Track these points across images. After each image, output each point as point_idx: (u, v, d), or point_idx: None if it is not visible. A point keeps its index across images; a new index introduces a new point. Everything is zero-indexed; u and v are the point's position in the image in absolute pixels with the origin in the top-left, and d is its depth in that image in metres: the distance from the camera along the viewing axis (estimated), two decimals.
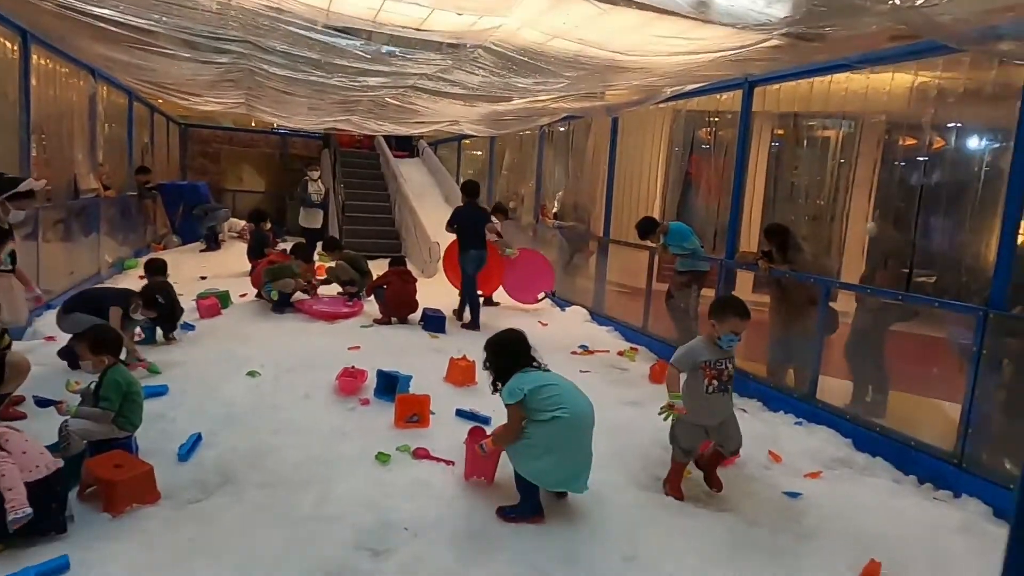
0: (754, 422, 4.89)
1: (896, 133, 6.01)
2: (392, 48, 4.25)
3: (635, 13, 3.54)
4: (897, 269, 5.35)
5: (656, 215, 7.82)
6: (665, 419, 3.52)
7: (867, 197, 6.28)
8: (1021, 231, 3.92)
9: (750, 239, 6.54)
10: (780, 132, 6.86)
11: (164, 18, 4.22)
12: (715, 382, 3.51)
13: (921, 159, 5.62)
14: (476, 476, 3.52)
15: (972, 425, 3.91)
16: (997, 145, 5.05)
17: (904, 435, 4.31)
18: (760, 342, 5.96)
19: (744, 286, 6.42)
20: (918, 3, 2.62)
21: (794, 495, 3.72)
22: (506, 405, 3.26)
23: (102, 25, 4.60)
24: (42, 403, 3.43)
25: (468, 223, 7.37)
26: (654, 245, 6.95)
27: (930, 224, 5.58)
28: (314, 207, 11.31)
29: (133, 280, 7.86)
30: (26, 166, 6.14)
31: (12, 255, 4.36)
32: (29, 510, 2.59)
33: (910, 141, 5.90)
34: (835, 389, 5.05)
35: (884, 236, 5.74)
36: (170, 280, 6.51)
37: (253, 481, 3.41)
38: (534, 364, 3.42)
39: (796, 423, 4.91)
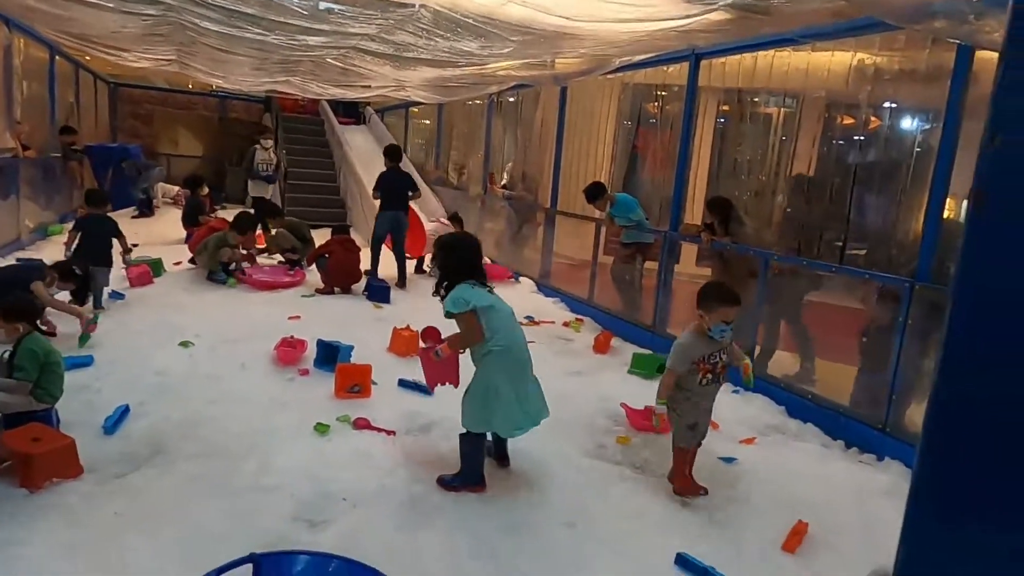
0: None
1: (835, 111, 6.16)
2: (330, 5, 4.06)
3: None
4: (831, 242, 5.52)
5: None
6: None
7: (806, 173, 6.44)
8: (947, 208, 4.09)
9: (694, 212, 6.63)
10: (725, 108, 6.94)
11: None
12: (709, 375, 3.31)
13: (857, 137, 5.77)
14: (440, 383, 3.34)
15: (896, 392, 4.09)
16: (928, 125, 5.23)
17: (833, 402, 4.48)
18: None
19: (688, 258, 6.53)
20: None
21: (729, 460, 3.83)
22: (449, 315, 3.10)
23: None
24: None
25: (390, 186, 7.59)
26: (601, 216, 6.98)
27: (864, 200, 5.76)
28: (260, 179, 10.58)
29: (57, 246, 7.42)
30: None
31: None
32: None
33: (848, 120, 6.06)
34: (772, 360, 5.21)
35: (818, 210, 5.91)
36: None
37: (186, 452, 3.29)
38: (484, 284, 3.22)
39: (734, 391, 5.04)
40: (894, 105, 5.50)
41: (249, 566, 2.06)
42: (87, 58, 11.03)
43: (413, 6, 3.81)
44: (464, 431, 3.19)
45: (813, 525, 3.12)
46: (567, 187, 8.24)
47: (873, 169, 5.63)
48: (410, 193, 7.80)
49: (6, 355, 3.28)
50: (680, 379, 3.29)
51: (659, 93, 7.55)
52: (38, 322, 3.60)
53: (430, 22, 4.19)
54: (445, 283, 3.19)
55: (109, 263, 5.76)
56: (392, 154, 7.92)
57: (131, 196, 11.40)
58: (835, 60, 5.43)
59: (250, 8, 4.33)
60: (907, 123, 5.63)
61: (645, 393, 4.76)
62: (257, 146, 10.56)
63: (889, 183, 5.52)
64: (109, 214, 10.92)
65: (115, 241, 5.91)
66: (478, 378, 3.18)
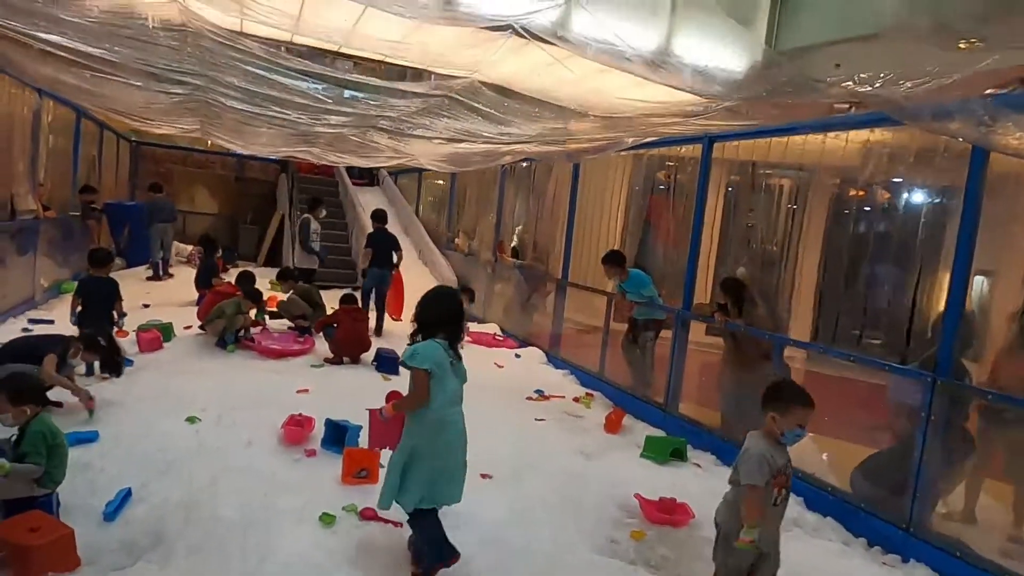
0: (709, 478, 4.88)
1: (848, 189, 6.21)
2: (355, 93, 4.18)
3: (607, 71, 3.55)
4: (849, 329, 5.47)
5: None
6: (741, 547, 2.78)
7: (818, 248, 6.46)
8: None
9: (706, 285, 6.59)
10: (736, 178, 6.99)
11: (117, 48, 4.06)
12: (783, 491, 2.84)
13: (869, 214, 5.81)
14: (382, 447, 3.19)
15: (920, 489, 3.96)
16: (946, 203, 5.23)
17: (853, 496, 4.34)
18: (715, 388, 6.00)
19: (697, 328, 6.46)
20: (877, 85, 2.69)
21: None
22: (405, 366, 3.01)
23: (49, 49, 4.41)
24: None
25: (379, 246, 8.58)
26: (612, 289, 6.98)
27: (877, 278, 5.76)
28: (313, 252, 9.84)
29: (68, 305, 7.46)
30: None
31: None
32: None
33: (860, 194, 6.11)
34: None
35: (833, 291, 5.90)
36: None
37: (184, 543, 3.18)
38: (454, 347, 3.09)
39: None
40: (908, 181, 5.53)
41: None
42: (111, 121, 11.36)
43: (436, 95, 3.91)
44: (409, 515, 3.05)
45: None
46: (578, 258, 8.28)
47: (887, 249, 5.63)
48: (394, 253, 8.66)
49: (12, 438, 3.23)
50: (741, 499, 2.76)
51: (670, 164, 7.65)
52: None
53: (449, 108, 4.29)
54: (419, 335, 3.09)
55: (109, 324, 5.76)
56: (379, 217, 8.81)
57: (146, 253, 11.52)
58: (851, 138, 5.45)
59: (275, 91, 4.46)
60: (920, 200, 5.65)
61: (659, 480, 4.64)
62: (310, 216, 9.83)
63: (904, 265, 5.52)
64: (125, 270, 11.14)
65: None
66: (400, 446, 3.05)
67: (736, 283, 5.63)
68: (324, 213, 10.31)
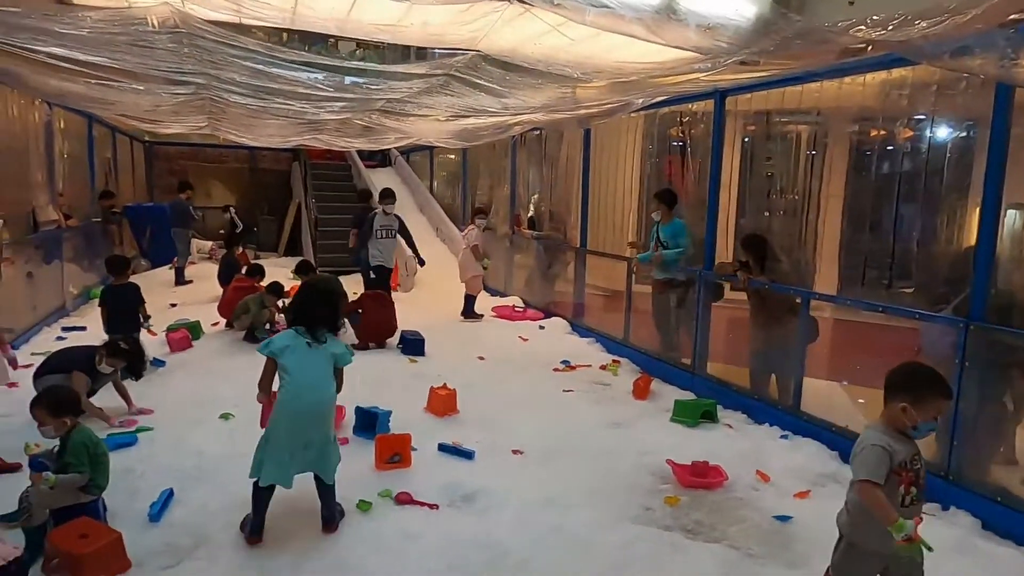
0: (740, 438, 4.87)
1: (868, 130, 6.00)
2: (355, 79, 4.13)
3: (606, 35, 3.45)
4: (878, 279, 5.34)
5: (633, 222, 7.77)
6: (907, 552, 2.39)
7: (841, 195, 6.26)
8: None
9: (726, 242, 6.46)
10: (752, 129, 6.79)
11: (116, 54, 4.05)
12: (913, 489, 2.47)
13: (891, 154, 5.62)
14: (263, 426, 3.43)
15: (958, 438, 3.89)
16: (972, 137, 5.03)
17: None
18: (742, 348, 5.94)
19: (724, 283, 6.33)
20: (890, 28, 2.57)
21: (784, 519, 3.68)
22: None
23: (51, 62, 4.42)
24: (37, 466, 3.17)
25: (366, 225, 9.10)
26: (632, 253, 6.91)
27: (904, 222, 5.60)
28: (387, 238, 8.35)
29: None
30: None
31: None
32: None
33: (881, 134, 5.90)
34: (819, 399, 5.03)
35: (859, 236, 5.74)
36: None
37: (228, 542, 3.26)
38: (320, 330, 3.29)
39: (782, 436, 4.89)
40: (931, 117, 5.31)
41: None
42: (121, 124, 11.43)
43: (436, 75, 3.85)
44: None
45: None
46: (595, 224, 8.19)
47: (912, 182, 5.46)
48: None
49: (55, 449, 3.32)
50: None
51: (683, 120, 7.47)
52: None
53: (451, 86, 4.22)
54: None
55: (137, 328, 5.95)
56: (384, 195, 8.96)
57: (169, 253, 11.65)
58: (868, 77, 5.23)
59: (276, 83, 4.43)
60: (946, 134, 5.44)
61: (690, 444, 4.64)
62: (378, 212, 8.39)
63: (931, 203, 5.35)
64: (150, 272, 11.30)
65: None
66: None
67: (758, 239, 5.52)
68: (393, 207, 8.45)
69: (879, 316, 4.79)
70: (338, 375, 3.46)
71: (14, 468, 3.89)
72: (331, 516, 3.37)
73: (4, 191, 6.88)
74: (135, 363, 4.85)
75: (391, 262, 8.40)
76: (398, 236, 8.50)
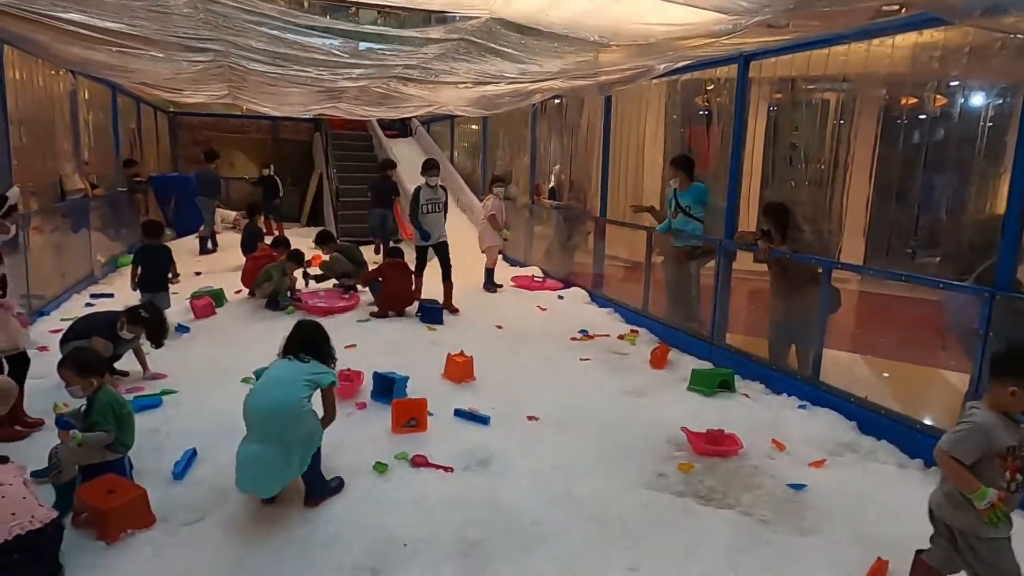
0: (757, 407, 4.85)
1: (898, 97, 5.82)
2: (370, 44, 4.10)
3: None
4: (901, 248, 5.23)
5: (656, 191, 7.66)
6: (990, 521, 2.36)
7: (868, 164, 6.10)
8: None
9: (749, 211, 6.36)
10: (778, 96, 6.62)
11: (136, 21, 4.06)
12: (1019, 476, 2.39)
13: (922, 122, 5.45)
14: None
15: None
16: (1007, 103, 4.85)
17: (909, 417, 4.25)
18: (763, 317, 5.89)
19: (744, 256, 6.26)
20: None
21: (798, 487, 3.68)
22: None
23: (73, 29, 4.44)
24: (63, 425, 3.29)
25: (377, 191, 10.69)
26: (652, 224, 6.84)
27: (933, 191, 5.45)
28: (420, 230, 7.49)
29: (127, 278, 7.77)
30: (6, 171, 6.03)
31: (3, 280, 4.22)
32: None
33: (911, 102, 5.72)
34: (839, 370, 4.98)
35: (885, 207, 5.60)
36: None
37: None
38: (299, 356, 3.42)
39: (800, 406, 4.86)
40: (964, 83, 5.13)
41: None
42: (144, 93, 11.51)
43: (451, 39, 3.80)
44: None
45: (894, 562, 2.95)
46: (616, 194, 8.10)
47: (943, 150, 5.29)
48: (393, 197, 10.79)
49: (81, 408, 3.43)
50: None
51: (708, 88, 7.31)
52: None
53: (470, 51, 4.17)
54: None
55: (165, 288, 6.37)
56: (383, 165, 11.03)
57: (195, 224, 11.80)
58: (899, 41, 5.06)
59: (293, 50, 4.41)
60: (981, 101, 5.25)
61: (706, 413, 4.64)
62: (422, 185, 7.49)
63: (962, 172, 5.19)
64: (175, 241, 11.47)
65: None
66: None
67: (780, 207, 5.43)
68: (437, 178, 7.54)
69: (904, 288, 4.70)
70: (326, 398, 3.44)
71: (38, 424, 4.03)
72: (310, 491, 3.34)
73: (32, 161, 7.00)
74: (155, 331, 4.95)
75: (443, 237, 7.53)
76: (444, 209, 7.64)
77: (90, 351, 3.66)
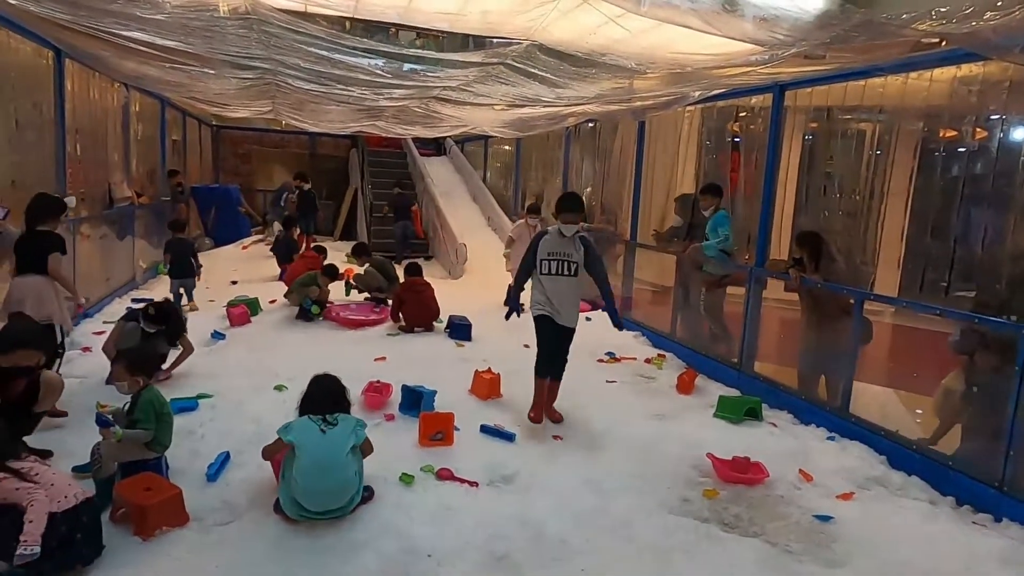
0: (785, 437, 4.81)
1: (936, 130, 5.78)
2: (414, 66, 4.24)
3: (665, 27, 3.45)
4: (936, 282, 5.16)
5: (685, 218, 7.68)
6: None
7: (904, 196, 6.05)
8: None
9: (780, 238, 6.33)
10: (813, 126, 6.61)
11: (190, 39, 4.26)
12: None
13: (961, 155, 5.40)
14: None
15: (1014, 447, 3.77)
16: None
17: (942, 453, 4.18)
18: (793, 346, 5.85)
19: (775, 284, 6.24)
20: (955, 21, 2.50)
21: (825, 519, 3.64)
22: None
23: (131, 45, 4.67)
24: (103, 422, 3.40)
25: (396, 206, 12.66)
26: (682, 249, 6.86)
27: (971, 225, 5.38)
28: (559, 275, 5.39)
29: (166, 283, 8.03)
30: (63, 179, 6.30)
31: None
32: (37, 549, 2.58)
33: (950, 135, 5.67)
34: (870, 403, 4.92)
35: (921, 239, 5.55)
36: (201, 282, 8.14)
37: None
38: (325, 418, 3.41)
39: (828, 438, 4.80)
40: (1005, 117, 5.08)
41: None
42: (191, 107, 11.93)
43: (492, 63, 3.91)
44: None
45: None
46: (647, 218, 8.14)
47: (981, 183, 5.23)
48: (411, 208, 12.79)
49: (125, 406, 3.56)
50: None
51: (742, 115, 7.33)
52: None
53: (507, 75, 4.28)
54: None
55: (191, 274, 7.80)
56: (402, 184, 13.30)
57: (233, 234, 12.14)
58: (936, 74, 5.04)
59: (338, 70, 4.58)
60: (1020, 135, 5.19)
61: (732, 440, 4.61)
62: (552, 232, 4.81)
63: (1001, 206, 5.12)
64: (213, 250, 11.83)
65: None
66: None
67: (813, 236, 5.41)
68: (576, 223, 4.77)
69: (938, 323, 4.64)
70: (364, 445, 3.49)
71: (61, 414, 4.24)
72: None
73: (84, 168, 7.30)
74: (169, 326, 5.05)
75: (570, 320, 4.72)
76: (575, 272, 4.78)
77: (144, 352, 3.82)
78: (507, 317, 4.76)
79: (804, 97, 5.72)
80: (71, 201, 5.05)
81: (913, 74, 4.55)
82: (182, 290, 7.76)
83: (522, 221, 8.83)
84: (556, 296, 4.56)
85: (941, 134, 5.79)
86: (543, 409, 4.67)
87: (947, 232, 5.68)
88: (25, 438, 3.57)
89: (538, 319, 4.62)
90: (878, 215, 5.89)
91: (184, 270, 7.70)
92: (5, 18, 4.92)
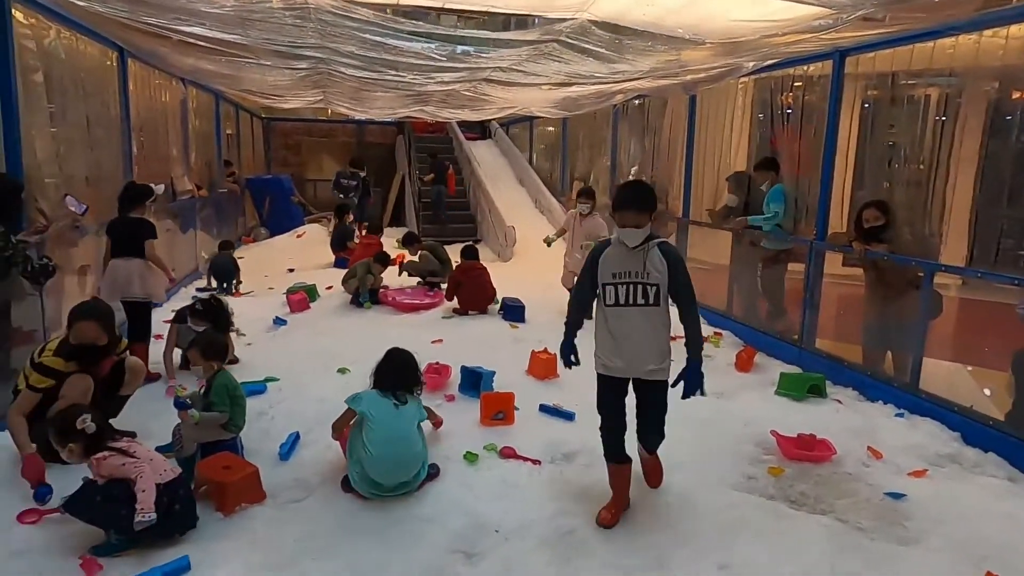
0: (850, 414, 4.70)
1: (1010, 92, 5.48)
2: (467, 48, 4.25)
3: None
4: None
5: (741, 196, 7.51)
6: None
7: (974, 163, 5.77)
8: None
9: (841, 212, 6.13)
10: (874, 93, 6.35)
11: (249, 32, 4.37)
12: None
13: None
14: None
15: None
16: None
17: (1021, 430, 4.02)
18: (855, 322, 5.68)
19: (834, 259, 6.06)
20: None
21: (897, 496, 3.55)
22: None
23: (190, 41, 4.81)
24: (181, 405, 3.55)
25: (435, 169, 13.41)
26: (736, 224, 6.71)
27: None
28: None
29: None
30: (130, 175, 6.56)
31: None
32: (154, 515, 2.79)
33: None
34: (939, 379, 4.75)
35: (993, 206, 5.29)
36: (263, 273, 8.61)
37: None
38: (396, 395, 3.50)
39: (897, 415, 4.67)
40: None
41: None
42: (245, 100, 12.23)
43: (545, 41, 3.88)
44: None
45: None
46: (699, 194, 7.99)
47: None
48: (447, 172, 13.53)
49: (201, 390, 3.72)
50: None
51: (796, 85, 7.09)
52: None
53: (562, 54, 4.25)
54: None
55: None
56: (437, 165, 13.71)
57: (287, 223, 12.44)
58: (1013, 31, 4.76)
59: (390, 55, 4.62)
60: None
61: (795, 418, 4.53)
62: (614, 241, 3.66)
63: None
64: (268, 240, 12.15)
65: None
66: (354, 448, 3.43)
67: (887, 204, 5.21)
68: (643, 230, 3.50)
69: (1010, 295, 4.44)
70: (433, 416, 3.77)
71: (155, 377, 4.69)
72: None
73: (149, 164, 7.59)
74: (216, 320, 5.17)
75: (648, 372, 3.31)
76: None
77: (216, 339, 3.98)
78: (567, 366, 3.42)
79: (866, 63, 5.49)
80: (160, 188, 5.59)
81: (988, 32, 4.30)
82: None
83: (573, 210, 7.46)
84: (628, 338, 3.18)
85: (1015, 96, 5.49)
86: (621, 506, 3.30)
87: (1021, 199, 5.41)
88: (111, 421, 3.76)
89: (601, 380, 3.31)
90: (945, 183, 5.64)
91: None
92: (73, 20, 5.12)
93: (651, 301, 3.14)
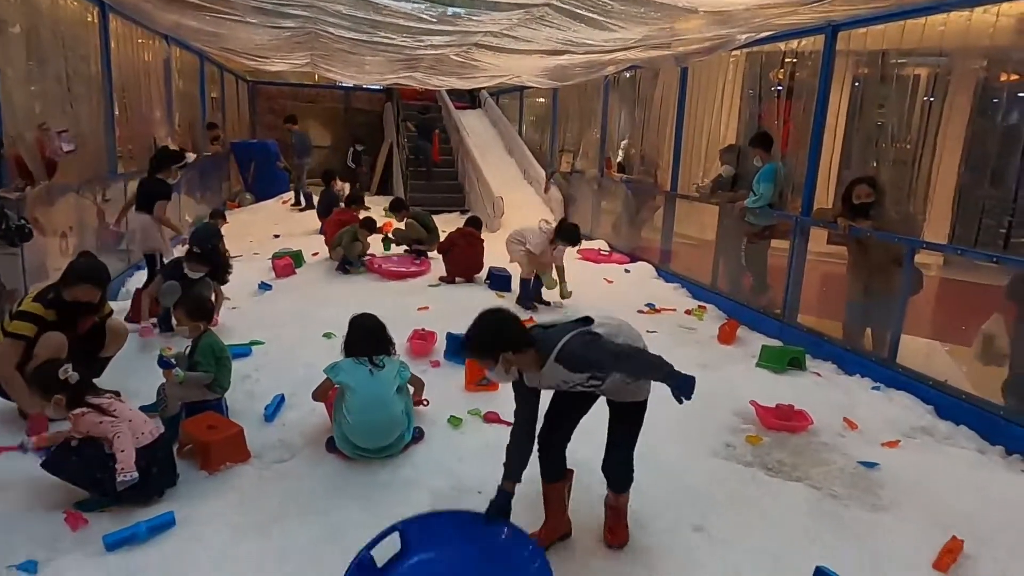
0: (829, 387, 4.79)
1: (997, 73, 5.51)
2: (458, 10, 4.18)
3: None
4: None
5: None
6: None
7: (959, 142, 5.82)
8: None
9: (828, 188, 6.17)
10: (864, 71, 6.35)
11: None
12: None
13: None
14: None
15: None
16: None
17: (991, 403, 4.12)
18: (836, 299, 5.76)
19: (818, 237, 6.12)
20: None
21: (871, 465, 3.64)
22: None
23: None
24: (166, 364, 3.56)
25: (422, 126, 13.47)
26: (726, 198, 6.74)
27: None
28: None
29: None
30: (111, 134, 6.43)
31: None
32: (135, 474, 2.79)
33: (1012, 78, 5.41)
34: (916, 355, 4.84)
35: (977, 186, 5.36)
36: (248, 239, 8.43)
37: None
38: (372, 359, 3.50)
39: (874, 388, 4.77)
40: None
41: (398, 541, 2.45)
42: (230, 62, 11.97)
43: (537, 5, 3.83)
44: None
45: (968, 543, 2.92)
46: (687, 169, 7.99)
47: None
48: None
49: (186, 350, 3.71)
50: None
51: (788, 60, 7.06)
52: None
53: (554, 19, 4.19)
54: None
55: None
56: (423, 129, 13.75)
57: (272, 189, 12.30)
58: (1004, 8, 4.75)
59: (380, 15, 4.53)
60: None
61: (775, 389, 4.61)
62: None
63: None
64: (254, 204, 12.04)
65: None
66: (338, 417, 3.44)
67: (873, 181, 5.24)
68: None
69: (989, 275, 4.51)
70: (415, 384, 3.75)
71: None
72: None
73: (130, 126, 7.44)
74: (215, 267, 5.20)
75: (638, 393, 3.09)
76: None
77: (202, 299, 3.97)
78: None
79: (858, 40, 5.48)
80: (190, 157, 6.45)
81: (979, 9, 4.30)
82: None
83: (545, 235, 6.34)
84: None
85: (1003, 77, 5.52)
86: (557, 526, 2.88)
87: (1006, 179, 5.48)
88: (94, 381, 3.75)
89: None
90: (931, 163, 5.69)
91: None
92: None
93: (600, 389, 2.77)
